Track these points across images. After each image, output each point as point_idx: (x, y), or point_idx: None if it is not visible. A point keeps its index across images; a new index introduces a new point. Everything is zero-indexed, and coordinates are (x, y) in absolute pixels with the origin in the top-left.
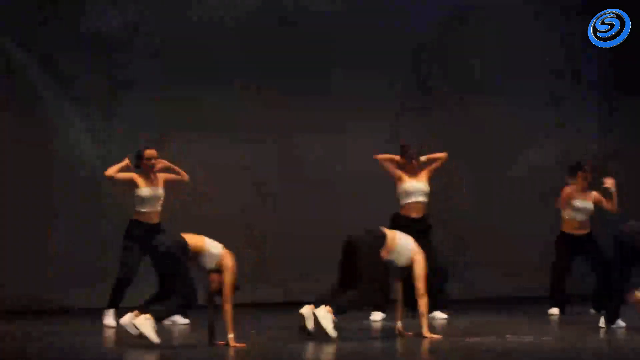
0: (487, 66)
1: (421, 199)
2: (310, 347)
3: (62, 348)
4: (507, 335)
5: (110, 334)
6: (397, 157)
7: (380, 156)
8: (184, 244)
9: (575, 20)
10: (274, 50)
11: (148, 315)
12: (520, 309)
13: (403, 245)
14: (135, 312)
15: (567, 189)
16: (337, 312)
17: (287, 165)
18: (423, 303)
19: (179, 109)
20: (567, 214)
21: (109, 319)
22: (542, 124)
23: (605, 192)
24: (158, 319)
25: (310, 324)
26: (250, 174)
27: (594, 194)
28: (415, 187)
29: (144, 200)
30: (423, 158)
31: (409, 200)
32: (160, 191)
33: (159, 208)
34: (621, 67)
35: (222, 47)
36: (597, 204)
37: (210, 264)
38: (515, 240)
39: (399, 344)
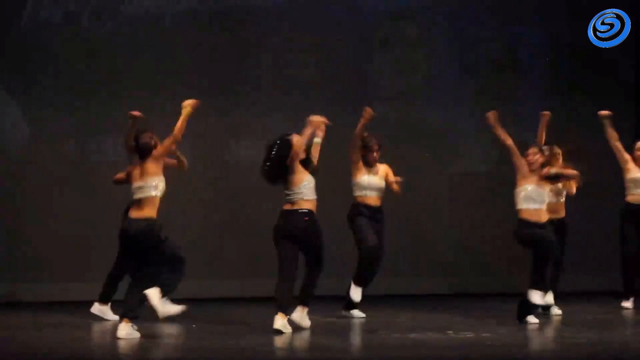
0: (434, 63)
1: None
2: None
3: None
4: (448, 332)
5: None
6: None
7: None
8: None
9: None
10: (209, 48)
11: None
12: (465, 307)
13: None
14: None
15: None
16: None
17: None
18: None
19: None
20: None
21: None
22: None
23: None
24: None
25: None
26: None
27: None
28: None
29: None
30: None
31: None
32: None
33: None
34: (565, 64)
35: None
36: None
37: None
38: (462, 238)
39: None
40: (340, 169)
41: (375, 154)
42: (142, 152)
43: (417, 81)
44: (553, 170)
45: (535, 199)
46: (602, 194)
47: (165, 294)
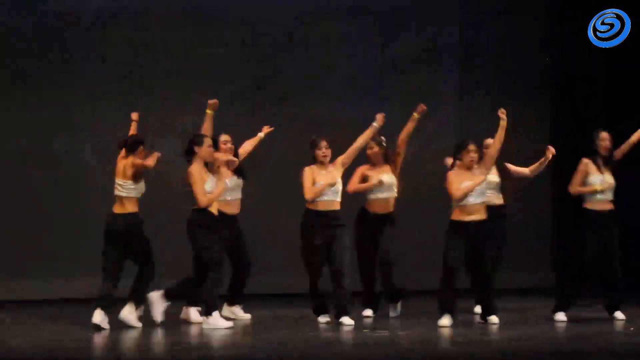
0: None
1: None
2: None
3: None
4: (365, 330)
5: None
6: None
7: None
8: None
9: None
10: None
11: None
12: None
13: None
14: None
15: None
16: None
17: None
18: None
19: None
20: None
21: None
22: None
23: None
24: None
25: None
26: None
27: None
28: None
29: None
30: None
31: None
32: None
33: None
34: (481, 61)
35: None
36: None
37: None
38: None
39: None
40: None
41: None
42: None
43: (337, 79)
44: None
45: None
46: (527, 192)
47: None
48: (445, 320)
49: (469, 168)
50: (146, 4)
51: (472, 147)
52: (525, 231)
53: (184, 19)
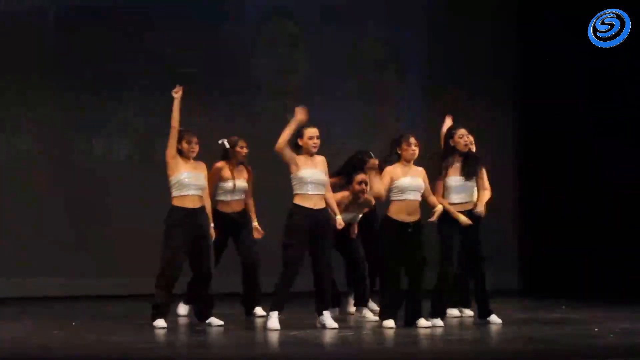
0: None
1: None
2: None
3: None
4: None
5: None
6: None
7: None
8: None
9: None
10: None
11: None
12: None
13: None
14: None
15: None
16: None
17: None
18: None
19: None
20: None
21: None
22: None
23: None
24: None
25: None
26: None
27: None
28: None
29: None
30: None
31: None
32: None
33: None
34: (444, 62)
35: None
36: None
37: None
38: None
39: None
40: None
41: None
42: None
43: (298, 80)
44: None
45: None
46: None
47: None
48: (391, 322)
49: (407, 161)
50: None
51: (412, 140)
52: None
53: (159, 16)
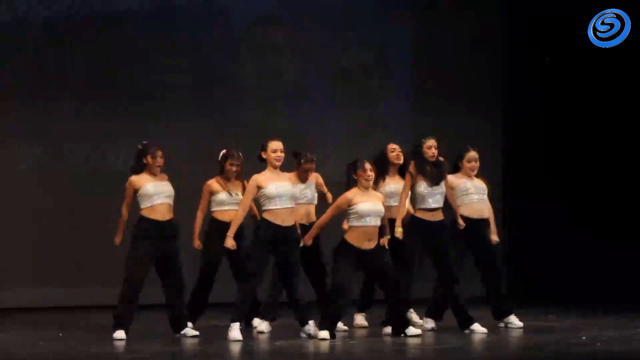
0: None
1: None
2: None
3: None
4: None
5: None
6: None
7: None
8: None
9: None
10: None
11: None
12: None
13: None
14: None
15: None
16: None
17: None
18: None
19: None
20: None
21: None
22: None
23: None
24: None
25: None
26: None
27: None
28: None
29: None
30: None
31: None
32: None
33: None
34: (431, 67)
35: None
36: None
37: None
38: None
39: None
40: (201, 174)
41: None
42: None
43: (285, 86)
44: None
45: None
46: None
47: None
48: (326, 333)
49: (365, 188)
50: None
51: (367, 166)
52: None
53: (146, 25)
